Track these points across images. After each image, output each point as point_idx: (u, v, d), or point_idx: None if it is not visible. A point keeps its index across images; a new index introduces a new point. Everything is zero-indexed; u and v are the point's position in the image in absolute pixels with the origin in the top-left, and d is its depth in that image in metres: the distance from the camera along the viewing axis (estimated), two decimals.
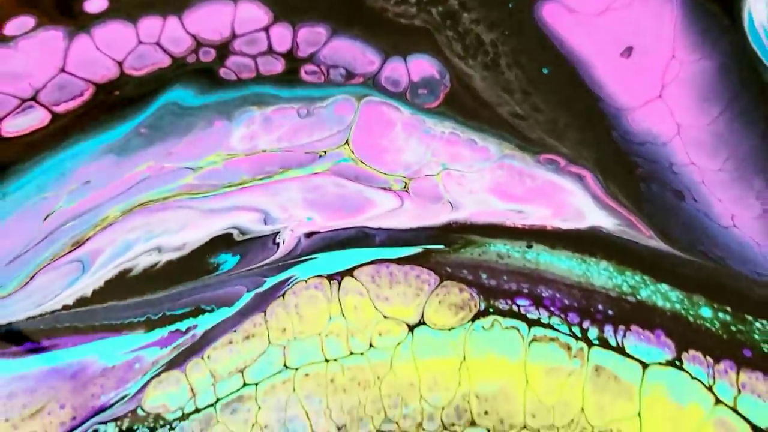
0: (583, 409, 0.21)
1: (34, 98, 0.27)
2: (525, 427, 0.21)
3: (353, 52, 0.28)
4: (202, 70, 0.27)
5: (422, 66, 0.28)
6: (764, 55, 0.27)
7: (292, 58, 0.27)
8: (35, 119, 0.26)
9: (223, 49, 0.27)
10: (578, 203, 0.25)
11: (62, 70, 0.27)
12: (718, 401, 0.21)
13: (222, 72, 0.26)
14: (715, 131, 0.26)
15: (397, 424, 0.21)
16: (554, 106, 0.27)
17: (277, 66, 0.27)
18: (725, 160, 0.26)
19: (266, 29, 0.28)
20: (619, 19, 0.28)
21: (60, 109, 0.27)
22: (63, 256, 0.24)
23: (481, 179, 0.25)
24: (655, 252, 0.23)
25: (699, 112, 0.27)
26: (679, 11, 0.28)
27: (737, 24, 0.28)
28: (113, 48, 0.27)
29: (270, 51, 0.28)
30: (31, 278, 0.24)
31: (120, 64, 0.27)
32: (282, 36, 0.28)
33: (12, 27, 0.26)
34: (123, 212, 0.25)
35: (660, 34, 0.28)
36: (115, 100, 0.26)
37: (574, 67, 0.27)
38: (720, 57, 0.28)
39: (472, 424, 0.21)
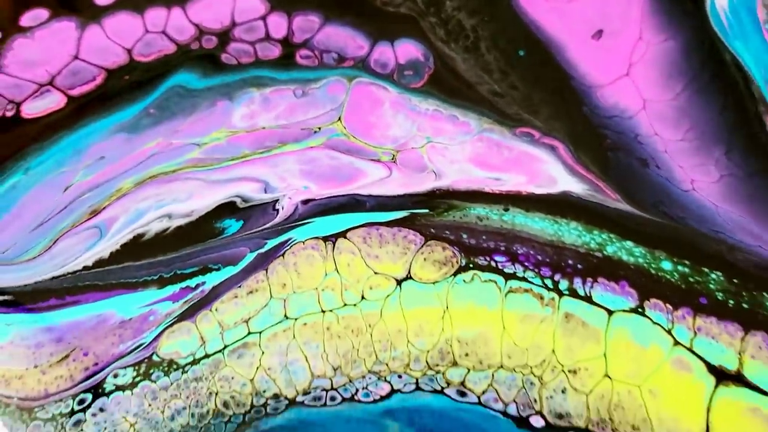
0: (554, 350, 0.28)
1: (50, 83, 0.35)
2: (501, 367, 0.28)
3: (344, 38, 0.36)
4: (205, 56, 0.35)
5: (408, 50, 0.35)
6: (723, 35, 0.35)
7: (287, 43, 0.35)
8: (52, 102, 0.34)
9: (224, 37, 0.35)
10: (551, 171, 0.32)
11: (76, 57, 0.35)
12: (676, 343, 0.28)
13: (223, 57, 0.34)
14: (677, 105, 0.34)
15: (386, 365, 0.28)
16: (529, 85, 0.34)
17: (274, 51, 0.35)
18: (686, 131, 0.33)
19: (263, 18, 0.36)
20: (589, 5, 0.36)
21: (75, 92, 0.35)
22: (82, 223, 0.31)
23: (462, 150, 0.33)
24: (621, 213, 0.31)
25: (663, 88, 0.34)
26: None
27: (700, 7, 0.36)
28: (122, 36, 0.35)
29: (267, 38, 0.36)
30: (54, 243, 0.31)
31: (129, 51, 0.35)
32: (278, 24, 0.36)
33: (28, 19, 0.34)
34: (135, 184, 0.33)
35: (628, 18, 0.36)
36: (125, 84, 0.34)
37: (548, 49, 0.35)
38: (683, 37, 0.35)
39: (454, 364, 0.28)
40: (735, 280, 0.28)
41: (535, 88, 0.32)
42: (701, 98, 0.32)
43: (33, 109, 0.32)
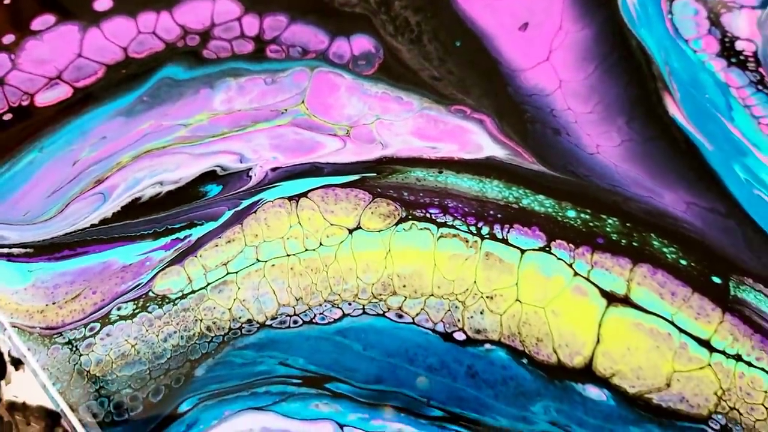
0: (475, 281, 0.43)
1: (59, 77, 0.52)
2: (432, 295, 0.42)
3: (308, 34, 0.52)
4: (190, 52, 0.51)
5: (362, 43, 0.52)
6: (631, 23, 0.51)
7: (259, 40, 0.52)
8: (61, 93, 0.51)
9: (205, 35, 0.52)
10: (479, 140, 0.48)
11: (79, 55, 0.52)
12: (576, 274, 0.43)
13: (205, 52, 0.51)
14: (589, 84, 0.49)
15: (339, 295, 0.43)
16: (464, 70, 0.50)
17: (248, 47, 0.52)
18: (595, 104, 0.49)
19: (239, 19, 0.53)
20: (518, 1, 0.53)
21: (80, 84, 0.51)
22: (88, 190, 0.47)
23: (405, 125, 0.49)
24: (536, 173, 0.46)
25: (577, 69, 0.50)
26: None
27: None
28: (118, 37, 0.52)
29: (242, 35, 0.53)
30: (66, 206, 0.47)
31: (125, 49, 0.52)
32: (251, 24, 0.52)
33: (37, 24, 0.52)
34: (132, 158, 0.48)
35: (551, 11, 0.52)
36: (122, 77, 0.51)
37: (480, 39, 0.51)
38: (597, 26, 0.51)
39: (394, 293, 0.42)
40: (628, 224, 0.43)
41: (468, 73, 0.48)
42: (609, 77, 0.48)
43: (45, 99, 0.48)
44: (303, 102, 0.46)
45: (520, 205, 0.42)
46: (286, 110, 0.46)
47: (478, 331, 0.40)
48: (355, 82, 0.46)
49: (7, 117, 0.44)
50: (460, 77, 0.46)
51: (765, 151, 0.43)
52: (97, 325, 0.40)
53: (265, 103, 0.46)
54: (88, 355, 0.39)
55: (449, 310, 0.40)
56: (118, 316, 0.40)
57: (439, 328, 0.40)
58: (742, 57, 0.45)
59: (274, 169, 0.44)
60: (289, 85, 0.47)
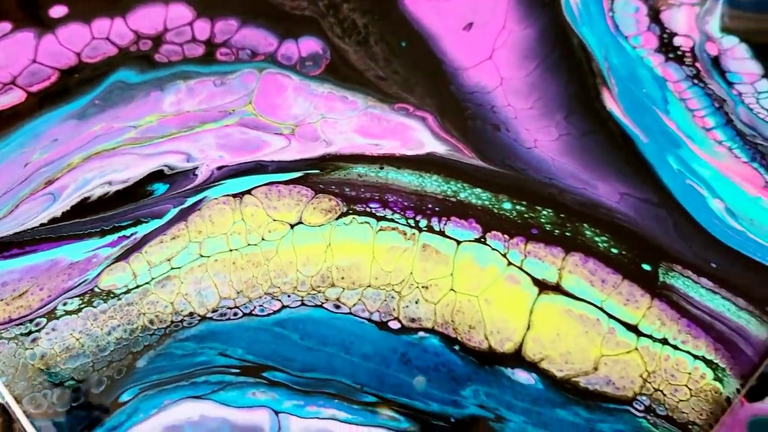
0: (412, 272, 0.49)
1: (13, 82, 0.59)
2: (369, 286, 0.49)
3: (257, 37, 0.60)
4: (142, 56, 0.59)
5: (310, 45, 0.59)
6: (573, 22, 0.58)
7: (210, 43, 0.59)
8: (15, 97, 0.58)
9: (158, 40, 0.59)
10: (420, 137, 0.54)
11: (34, 60, 0.60)
12: (509, 263, 0.49)
13: (157, 57, 0.58)
14: (529, 81, 0.56)
15: (279, 288, 0.49)
16: (408, 69, 0.57)
17: (199, 50, 0.59)
18: (535, 101, 0.55)
19: (191, 24, 0.61)
20: (463, 2, 0.60)
21: (33, 89, 0.59)
22: (39, 191, 0.54)
23: (349, 123, 0.55)
24: (474, 167, 0.52)
25: (519, 67, 0.57)
26: None
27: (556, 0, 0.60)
28: (73, 43, 0.60)
29: (193, 39, 0.60)
30: (16, 207, 0.54)
31: (78, 54, 0.60)
32: (203, 28, 0.60)
33: None
34: (83, 159, 0.56)
35: (495, 11, 0.59)
36: (75, 81, 0.58)
37: (425, 40, 0.58)
38: (540, 25, 0.58)
39: (332, 285, 0.49)
40: (562, 215, 0.49)
41: (413, 72, 0.55)
42: (550, 74, 0.54)
43: None
44: (251, 102, 0.53)
45: (458, 198, 0.49)
46: (233, 111, 0.53)
47: (412, 320, 0.46)
48: (302, 83, 0.53)
49: None
50: (404, 77, 0.53)
51: (698, 142, 0.49)
52: (43, 320, 0.47)
53: (213, 104, 0.53)
54: (33, 349, 0.46)
55: (385, 300, 0.47)
56: (64, 311, 0.47)
57: (375, 317, 0.46)
58: (679, 52, 0.51)
59: (219, 168, 0.51)
60: (238, 86, 0.54)
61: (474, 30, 0.52)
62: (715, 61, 0.48)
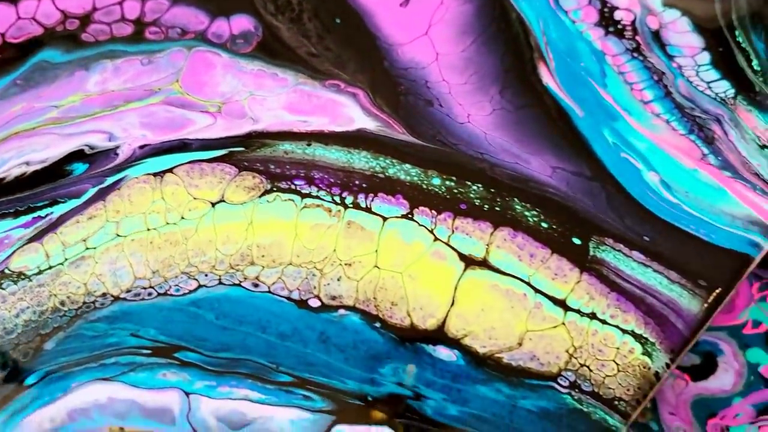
0: (335, 249, 0.51)
1: None
2: (291, 263, 0.51)
3: (188, 16, 0.63)
4: (68, 36, 0.62)
5: (241, 22, 0.62)
6: None
7: (139, 22, 0.63)
8: None
9: (86, 19, 0.62)
10: (351, 113, 0.57)
11: None
12: (436, 239, 0.51)
13: (83, 36, 0.62)
14: (465, 56, 0.59)
15: (196, 267, 0.51)
16: (341, 46, 0.60)
17: (127, 29, 0.63)
18: (470, 75, 0.58)
19: (120, 3, 0.64)
20: None
21: None
22: None
23: (278, 100, 0.58)
24: (404, 143, 0.54)
25: (455, 42, 0.60)
26: None
27: None
28: None
29: (122, 19, 0.64)
30: None
31: (2, 35, 0.63)
32: (133, 7, 0.64)
33: None
34: (1, 140, 0.59)
35: None
36: None
37: (360, 16, 0.62)
38: (478, 0, 0.62)
39: (252, 264, 0.51)
40: (492, 190, 0.52)
41: (346, 49, 0.58)
42: (486, 48, 0.57)
43: None
44: (177, 81, 0.56)
45: (386, 174, 0.51)
46: (159, 89, 0.56)
47: (333, 298, 0.48)
48: (232, 60, 0.56)
49: None
50: (337, 53, 0.56)
51: (635, 115, 0.51)
52: None
53: (139, 83, 0.56)
54: None
55: (306, 278, 0.49)
56: None
57: (295, 295, 0.48)
58: (620, 26, 0.54)
59: (142, 147, 0.54)
60: (166, 65, 0.57)
61: (411, 6, 0.55)
62: (656, 35, 0.51)
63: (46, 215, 0.48)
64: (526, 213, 0.45)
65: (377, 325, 0.44)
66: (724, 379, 0.53)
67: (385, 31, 0.53)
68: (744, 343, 0.54)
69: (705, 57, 0.49)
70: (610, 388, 0.43)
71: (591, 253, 0.44)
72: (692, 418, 0.53)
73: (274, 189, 0.48)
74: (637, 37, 0.50)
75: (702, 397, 0.53)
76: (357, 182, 0.48)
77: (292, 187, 0.48)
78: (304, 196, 0.47)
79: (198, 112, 0.51)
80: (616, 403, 0.43)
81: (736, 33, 0.49)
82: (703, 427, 0.53)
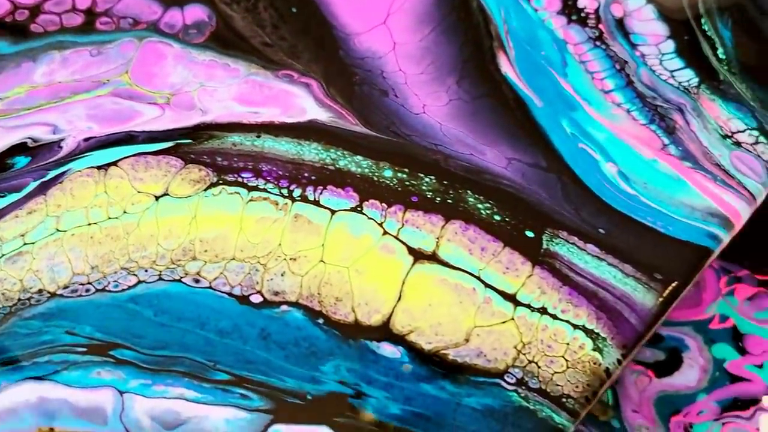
0: (280, 244, 0.50)
1: None
2: (234, 258, 0.50)
3: (141, 5, 0.63)
4: (16, 27, 0.62)
5: (195, 12, 0.62)
6: None
7: (91, 13, 0.63)
8: None
9: (36, 10, 0.63)
10: (303, 104, 0.57)
11: None
12: (385, 233, 0.50)
13: (32, 27, 0.62)
14: (423, 45, 0.58)
15: (136, 262, 0.51)
16: (296, 36, 0.60)
17: (78, 20, 0.63)
18: (428, 65, 0.58)
19: None
20: None
21: None
22: None
23: (228, 91, 0.58)
24: (357, 134, 0.54)
25: (414, 31, 0.59)
26: None
27: None
28: None
29: (73, 9, 0.64)
30: None
31: None
32: None
33: None
34: None
35: None
36: None
37: (317, 5, 0.62)
38: None
39: (194, 259, 0.50)
40: (445, 182, 0.51)
41: (301, 38, 0.58)
42: (445, 38, 0.57)
43: None
44: (127, 72, 0.56)
45: (337, 166, 0.51)
46: (108, 81, 0.56)
47: (276, 293, 0.48)
48: (183, 51, 0.56)
49: None
50: (292, 43, 0.56)
51: (595, 105, 0.51)
52: None
53: (88, 74, 0.56)
54: None
55: (249, 273, 0.48)
56: None
57: (236, 291, 0.48)
58: (583, 14, 0.54)
59: (86, 140, 0.54)
60: (115, 56, 0.57)
61: None
62: (620, 23, 0.50)
63: None
64: (479, 205, 0.45)
65: (320, 321, 0.43)
66: (688, 376, 0.52)
67: (342, 20, 0.53)
68: (710, 339, 0.53)
69: (669, 45, 0.49)
70: (558, 385, 0.42)
71: (544, 246, 0.44)
72: (655, 415, 0.52)
73: (221, 182, 0.47)
74: (600, 26, 0.49)
75: (666, 394, 0.52)
76: (306, 175, 0.48)
77: (239, 180, 0.48)
78: (251, 189, 0.47)
79: (146, 103, 0.51)
80: (564, 400, 0.42)
81: (702, 21, 0.48)
82: (666, 425, 0.52)
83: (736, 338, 0.54)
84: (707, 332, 0.54)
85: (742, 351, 0.53)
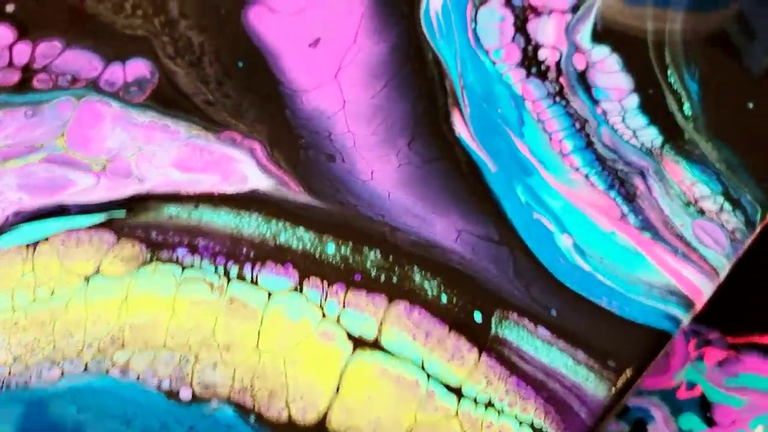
0: (214, 330, 0.48)
1: None
2: (164, 346, 0.48)
3: (81, 61, 0.61)
4: None
5: (137, 68, 0.60)
6: (431, 35, 0.58)
7: (28, 69, 0.61)
8: None
9: None
10: (245, 170, 0.54)
11: None
12: (324, 316, 0.48)
13: None
14: (375, 103, 0.55)
15: (62, 351, 0.49)
16: (242, 92, 0.57)
17: (14, 77, 0.62)
18: (378, 125, 0.55)
19: (10, 47, 0.63)
20: (313, 16, 0.61)
21: None
22: None
23: (168, 156, 0.56)
24: (300, 204, 0.51)
25: (366, 87, 0.57)
26: (367, 2, 0.60)
27: (414, 9, 0.60)
28: None
29: (10, 65, 0.63)
30: None
31: None
32: (23, 51, 0.62)
33: None
34: None
35: (347, 25, 0.60)
36: None
37: (265, 58, 0.59)
38: (394, 39, 0.58)
39: (122, 346, 0.48)
40: (390, 257, 0.49)
41: (246, 96, 0.56)
42: (398, 94, 0.54)
43: None
44: (62, 135, 0.54)
45: (277, 241, 0.49)
46: (42, 146, 0.54)
47: (206, 387, 0.46)
48: (123, 111, 0.54)
49: None
50: (236, 101, 0.54)
51: (552, 169, 0.48)
52: None
53: (21, 138, 0.55)
54: None
55: (180, 363, 0.46)
56: None
57: (165, 385, 0.46)
58: (543, 67, 0.51)
59: (16, 213, 0.52)
60: (51, 117, 0.55)
61: (321, 46, 0.53)
62: (582, 76, 0.48)
63: None
64: (426, 283, 0.42)
65: (252, 419, 0.41)
66: None
67: (291, 74, 0.51)
68: (677, 408, 0.50)
69: (633, 100, 0.45)
70: None
71: (493, 330, 0.41)
72: None
73: (155, 259, 0.45)
74: (561, 79, 0.47)
75: None
76: (245, 250, 0.45)
77: (174, 257, 0.45)
78: (185, 267, 0.45)
79: (81, 171, 0.49)
80: None
81: (668, 72, 0.45)
82: None
83: (705, 408, 0.51)
84: (674, 402, 0.51)
85: (710, 422, 0.50)
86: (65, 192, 0.49)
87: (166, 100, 0.51)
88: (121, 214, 0.48)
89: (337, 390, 0.42)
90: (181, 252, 0.46)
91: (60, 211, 0.48)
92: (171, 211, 0.47)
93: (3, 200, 0.49)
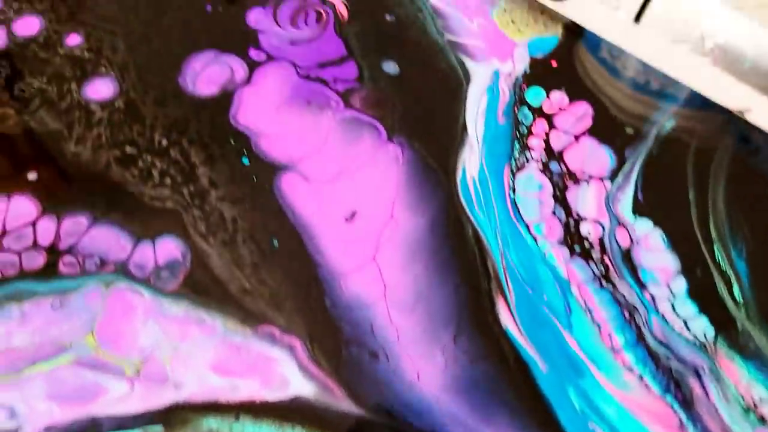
0: None
1: None
2: None
3: (109, 240, 0.59)
4: None
5: (168, 248, 0.58)
6: (469, 205, 0.54)
7: (53, 250, 0.59)
8: None
9: None
10: (285, 372, 0.51)
11: None
12: None
13: None
14: (415, 288, 0.52)
15: None
16: (279, 278, 0.54)
17: (40, 260, 0.59)
18: (420, 314, 0.52)
19: (34, 223, 0.60)
20: (348, 184, 0.58)
21: None
22: None
23: (204, 356, 0.53)
24: (343, 414, 0.49)
25: (405, 270, 0.53)
26: (403, 169, 0.57)
27: (451, 177, 0.56)
28: None
29: (35, 245, 0.60)
30: None
31: None
32: (47, 229, 0.60)
33: None
34: None
35: (383, 194, 0.56)
36: None
37: (300, 236, 0.56)
38: (432, 213, 0.55)
39: None
40: None
41: (283, 281, 0.53)
42: (438, 276, 0.51)
43: None
44: (92, 332, 0.52)
45: None
46: (71, 344, 0.52)
47: None
48: (155, 302, 0.52)
49: None
50: (273, 288, 0.51)
51: (604, 369, 0.45)
52: None
53: (48, 334, 0.53)
54: None
55: None
56: None
57: None
58: (586, 244, 0.48)
59: (47, 429, 0.50)
60: (79, 308, 0.52)
61: (357, 221, 0.50)
62: (626, 255, 0.45)
63: None
64: None
65: None
66: None
67: (328, 255, 0.48)
68: None
69: (681, 283, 0.43)
70: None
71: None
72: None
73: None
74: (606, 258, 0.44)
75: None
76: None
77: None
78: None
79: (113, 376, 0.47)
80: None
81: (715, 248, 0.42)
82: None
83: None
84: None
85: None
86: (98, 401, 0.46)
87: (200, 287, 0.48)
88: (157, 430, 0.45)
89: None
90: None
91: (92, 426, 0.46)
92: (211, 424, 0.44)
93: (32, 412, 0.47)
